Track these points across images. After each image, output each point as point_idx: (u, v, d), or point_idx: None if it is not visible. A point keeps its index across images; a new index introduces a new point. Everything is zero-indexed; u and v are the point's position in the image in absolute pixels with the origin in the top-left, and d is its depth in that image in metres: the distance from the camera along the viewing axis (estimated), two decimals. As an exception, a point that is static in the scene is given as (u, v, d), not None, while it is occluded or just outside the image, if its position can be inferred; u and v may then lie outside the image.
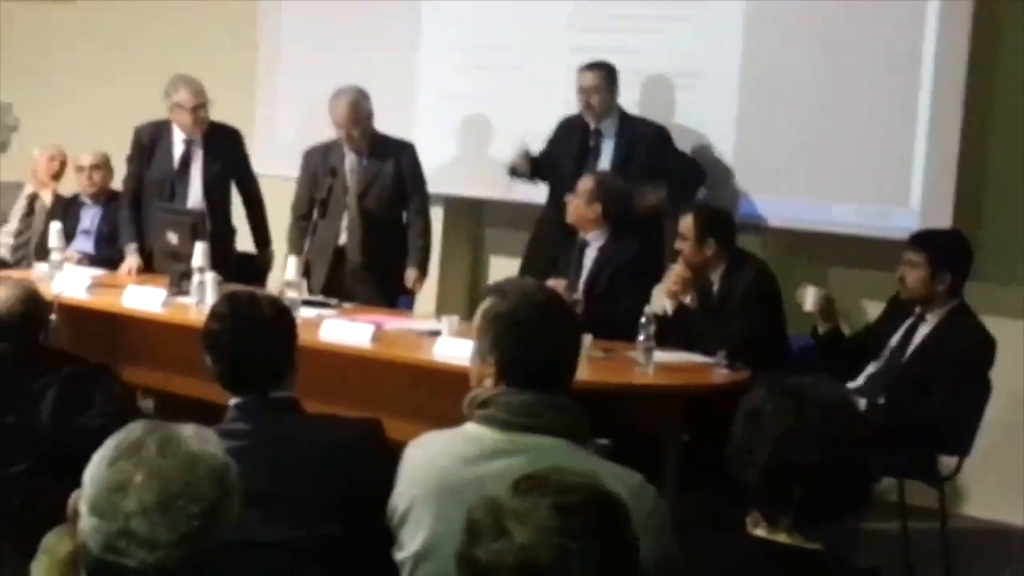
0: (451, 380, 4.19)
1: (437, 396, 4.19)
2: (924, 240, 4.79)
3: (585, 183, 5.42)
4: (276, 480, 2.56)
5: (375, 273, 5.87)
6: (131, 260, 6.03)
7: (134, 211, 6.14)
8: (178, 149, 6.13)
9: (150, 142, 6.15)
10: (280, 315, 2.83)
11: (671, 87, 6.13)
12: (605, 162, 5.82)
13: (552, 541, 1.55)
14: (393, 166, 5.88)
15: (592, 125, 5.87)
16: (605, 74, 5.82)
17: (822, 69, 5.82)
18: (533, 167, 6.03)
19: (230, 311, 2.81)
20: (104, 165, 6.72)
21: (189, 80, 6.04)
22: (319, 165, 5.90)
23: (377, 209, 5.88)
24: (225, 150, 6.21)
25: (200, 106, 6.02)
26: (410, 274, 5.90)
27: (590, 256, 5.41)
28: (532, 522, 1.56)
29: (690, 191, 5.83)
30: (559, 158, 5.97)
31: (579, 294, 5.22)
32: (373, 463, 2.62)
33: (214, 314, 2.85)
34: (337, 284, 5.81)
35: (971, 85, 5.53)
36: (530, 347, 2.43)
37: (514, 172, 6.09)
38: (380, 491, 2.50)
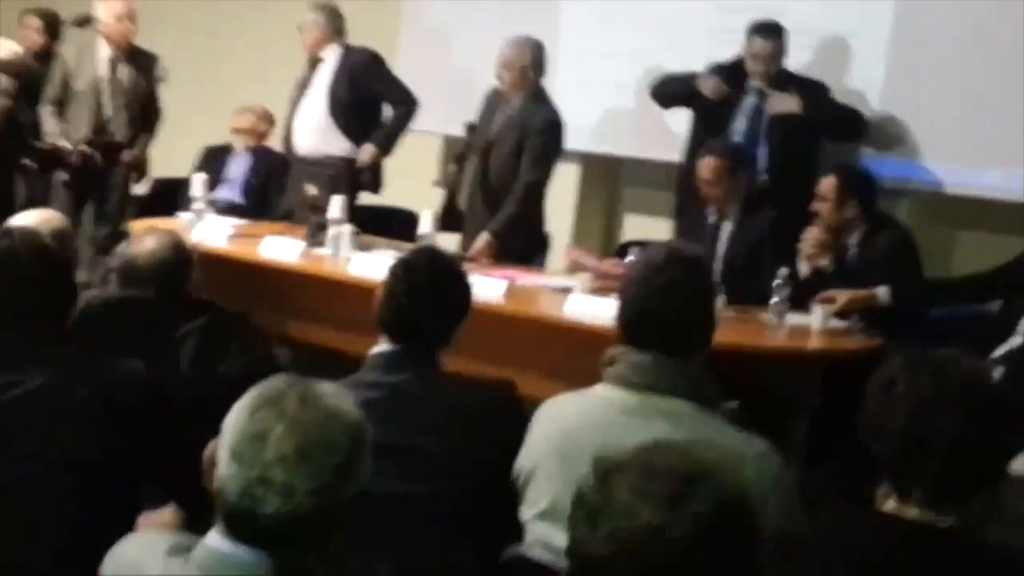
0: (582, 337, 4.22)
1: (569, 353, 4.20)
2: None
3: (711, 162, 5.16)
4: (410, 435, 2.60)
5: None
6: None
7: None
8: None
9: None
10: (461, 282, 2.92)
11: (818, 47, 5.98)
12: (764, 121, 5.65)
13: (672, 528, 1.54)
14: (520, 128, 5.63)
15: (755, 84, 5.68)
16: (780, 40, 5.61)
17: (974, 30, 5.63)
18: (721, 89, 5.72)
19: (418, 262, 2.88)
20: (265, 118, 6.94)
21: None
22: (486, 107, 5.83)
23: (494, 166, 5.69)
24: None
25: None
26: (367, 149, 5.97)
27: (726, 231, 5.22)
28: (649, 505, 1.55)
29: (852, 135, 5.71)
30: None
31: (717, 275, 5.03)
32: (507, 425, 2.66)
33: (404, 262, 2.90)
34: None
35: None
36: (641, 306, 2.43)
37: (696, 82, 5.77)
38: (510, 452, 2.55)
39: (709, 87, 5.68)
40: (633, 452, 1.64)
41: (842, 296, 4.63)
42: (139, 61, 6.66)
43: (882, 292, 4.68)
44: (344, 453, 1.78)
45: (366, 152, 6.09)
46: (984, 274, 4.90)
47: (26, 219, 3.88)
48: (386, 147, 6.16)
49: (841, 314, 4.64)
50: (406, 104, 6.22)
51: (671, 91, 5.91)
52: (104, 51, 6.56)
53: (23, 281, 2.59)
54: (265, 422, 1.77)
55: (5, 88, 5.25)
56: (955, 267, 5.83)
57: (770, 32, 5.63)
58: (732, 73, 5.74)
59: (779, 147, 5.61)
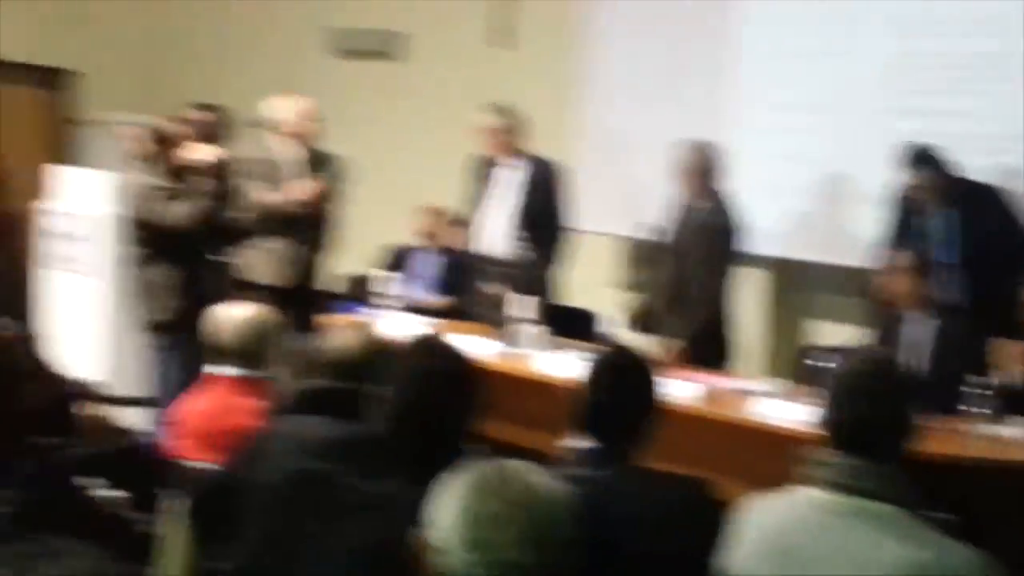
0: (775, 441, 4.18)
1: (762, 457, 4.15)
2: None
3: (903, 257, 5.17)
4: (614, 530, 2.58)
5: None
6: None
7: None
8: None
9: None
10: (656, 382, 2.93)
11: (995, 150, 5.84)
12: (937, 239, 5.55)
13: None
14: (705, 232, 5.67)
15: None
16: (932, 167, 5.48)
17: None
18: None
19: (620, 362, 2.93)
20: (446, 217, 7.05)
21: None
22: (676, 211, 5.86)
23: (683, 270, 5.74)
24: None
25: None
26: None
27: (917, 337, 5.10)
28: None
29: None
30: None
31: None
32: (704, 522, 2.65)
33: (606, 361, 2.94)
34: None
35: None
36: (856, 411, 2.43)
37: None
38: (706, 549, 2.55)
39: None
40: None
41: None
42: (323, 164, 6.31)
43: None
44: (571, 530, 1.86)
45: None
46: None
47: (231, 311, 4.01)
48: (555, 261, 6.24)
49: None
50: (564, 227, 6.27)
51: None
52: (286, 153, 6.22)
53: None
54: (495, 507, 1.82)
55: (208, 190, 5.44)
56: None
57: (919, 162, 5.51)
58: None
59: (974, 260, 5.47)
